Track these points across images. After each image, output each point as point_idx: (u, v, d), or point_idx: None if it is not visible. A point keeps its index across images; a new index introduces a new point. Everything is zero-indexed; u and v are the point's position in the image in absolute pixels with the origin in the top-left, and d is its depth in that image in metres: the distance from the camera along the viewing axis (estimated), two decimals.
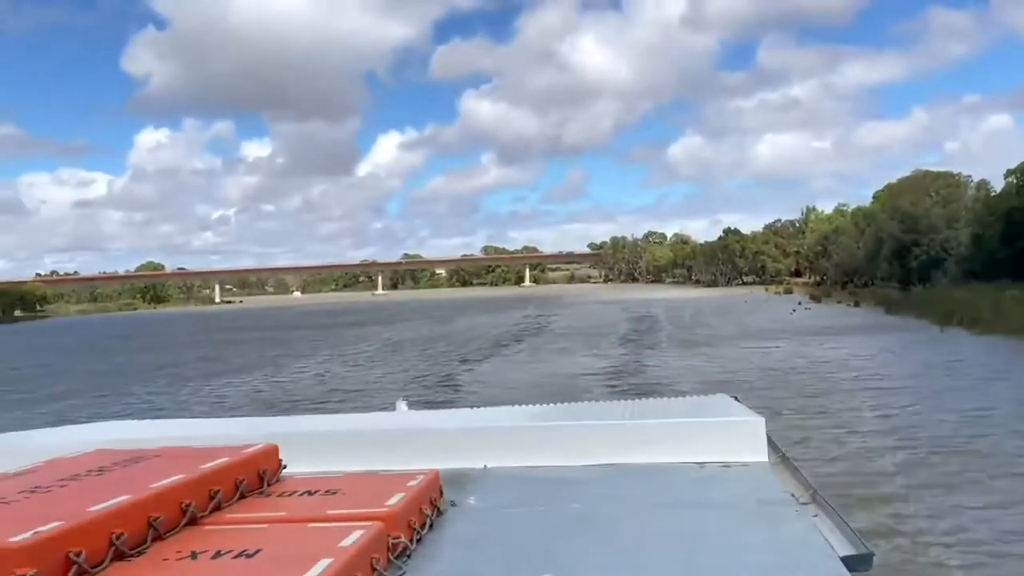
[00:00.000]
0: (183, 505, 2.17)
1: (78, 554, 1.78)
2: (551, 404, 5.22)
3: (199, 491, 2.27)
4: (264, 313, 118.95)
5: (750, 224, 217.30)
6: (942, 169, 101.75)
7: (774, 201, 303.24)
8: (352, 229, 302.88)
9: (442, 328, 67.38)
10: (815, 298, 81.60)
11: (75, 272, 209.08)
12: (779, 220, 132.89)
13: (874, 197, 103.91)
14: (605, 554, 2.29)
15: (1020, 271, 56.14)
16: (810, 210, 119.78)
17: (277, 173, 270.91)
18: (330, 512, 2.27)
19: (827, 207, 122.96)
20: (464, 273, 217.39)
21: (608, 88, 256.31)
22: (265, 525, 2.19)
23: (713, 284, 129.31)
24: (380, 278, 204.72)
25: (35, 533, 1.75)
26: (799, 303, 73.66)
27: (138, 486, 2.15)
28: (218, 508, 2.31)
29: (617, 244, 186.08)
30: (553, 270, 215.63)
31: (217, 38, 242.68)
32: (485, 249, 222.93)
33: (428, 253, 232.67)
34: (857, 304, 69.43)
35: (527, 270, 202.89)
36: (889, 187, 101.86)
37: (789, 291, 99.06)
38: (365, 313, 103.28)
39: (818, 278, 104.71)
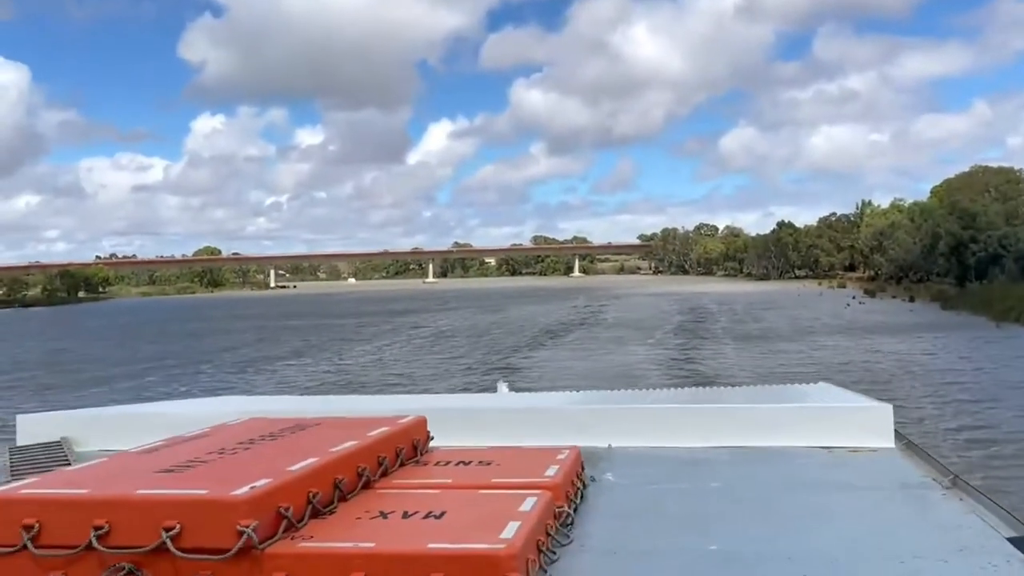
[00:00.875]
0: (359, 469, 2.33)
1: (287, 509, 1.93)
2: (670, 389, 5.58)
3: (370, 457, 2.44)
4: (320, 298, 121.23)
5: (803, 217, 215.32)
6: (1004, 165, 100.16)
7: (828, 195, 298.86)
8: (402, 217, 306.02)
9: (495, 316, 68.48)
10: (869, 293, 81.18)
11: (134, 256, 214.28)
12: (833, 214, 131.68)
13: (932, 192, 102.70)
14: (761, 530, 2.35)
15: None
16: (865, 204, 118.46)
17: (329, 160, 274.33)
18: (495, 480, 2.41)
19: (883, 201, 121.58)
20: (513, 262, 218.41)
21: (660, 79, 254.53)
22: (436, 491, 2.34)
23: (765, 277, 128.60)
24: (431, 266, 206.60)
25: (252, 488, 1.90)
26: (853, 297, 73.41)
27: (320, 450, 2.32)
28: (384, 474, 2.48)
29: (668, 236, 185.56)
30: (602, 261, 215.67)
31: (272, 25, 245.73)
32: (535, 239, 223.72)
33: (477, 242, 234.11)
34: (912, 299, 69.15)
35: (576, 261, 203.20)
36: (947, 182, 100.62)
37: (842, 285, 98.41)
38: (419, 300, 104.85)
39: (872, 273, 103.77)
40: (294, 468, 2.11)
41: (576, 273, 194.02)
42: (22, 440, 4.69)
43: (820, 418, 3.45)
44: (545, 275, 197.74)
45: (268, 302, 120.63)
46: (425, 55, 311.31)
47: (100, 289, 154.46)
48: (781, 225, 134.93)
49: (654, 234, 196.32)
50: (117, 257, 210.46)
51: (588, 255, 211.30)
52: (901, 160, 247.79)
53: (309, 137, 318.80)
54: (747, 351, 36.72)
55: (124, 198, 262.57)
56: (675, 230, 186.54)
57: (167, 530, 1.84)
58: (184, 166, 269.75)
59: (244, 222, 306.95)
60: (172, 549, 1.83)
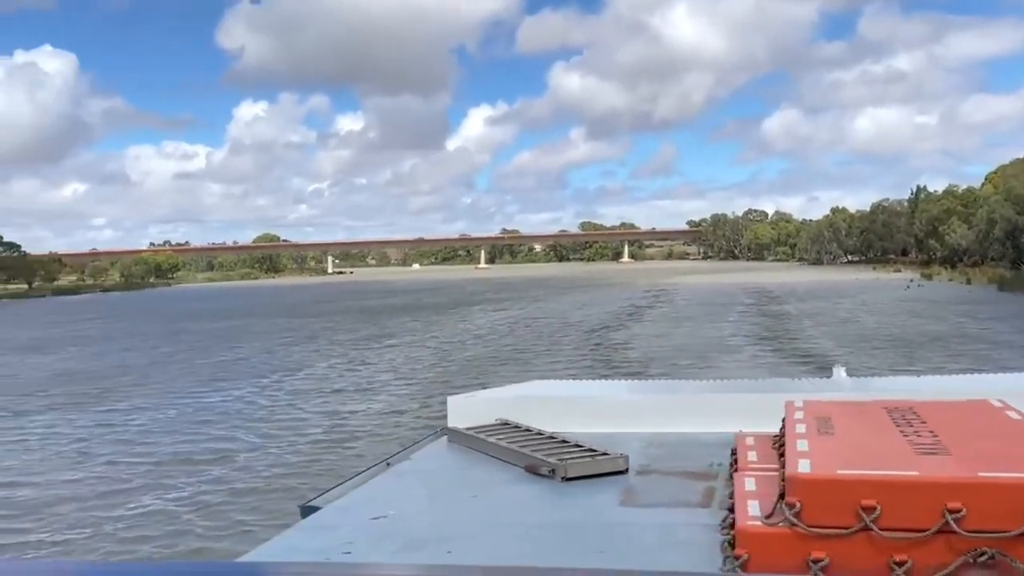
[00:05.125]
0: None
1: None
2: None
3: None
4: (384, 285, 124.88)
5: (847, 201, 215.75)
6: None
7: (874, 178, 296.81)
8: (441, 203, 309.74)
9: (568, 299, 71.65)
10: (926, 276, 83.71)
11: (186, 242, 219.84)
12: (887, 199, 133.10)
13: (986, 179, 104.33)
14: None
15: None
16: (920, 190, 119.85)
17: (369, 147, 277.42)
18: None
19: (930, 184, 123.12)
20: (561, 248, 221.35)
21: (700, 61, 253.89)
22: None
23: (817, 263, 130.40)
24: (482, 252, 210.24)
25: None
26: (911, 280, 76.01)
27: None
28: None
29: (717, 221, 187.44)
30: (648, 246, 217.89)
31: (310, 11, 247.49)
32: (583, 225, 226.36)
33: (516, 228, 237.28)
34: (968, 282, 71.95)
35: (625, 246, 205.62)
36: (1002, 169, 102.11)
37: (897, 270, 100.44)
38: (481, 284, 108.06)
39: (926, 257, 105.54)
40: None
41: (626, 259, 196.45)
42: (453, 422, 5.16)
43: None
44: (593, 261, 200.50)
45: (333, 287, 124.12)
46: (463, 40, 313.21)
47: (169, 275, 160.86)
48: (834, 211, 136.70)
49: (703, 220, 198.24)
50: (170, 244, 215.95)
51: (636, 241, 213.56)
52: (949, 142, 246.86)
53: (349, 123, 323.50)
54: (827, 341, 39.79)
55: (168, 186, 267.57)
56: (724, 215, 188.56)
57: None
58: (226, 153, 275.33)
59: (286, 209, 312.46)
60: None
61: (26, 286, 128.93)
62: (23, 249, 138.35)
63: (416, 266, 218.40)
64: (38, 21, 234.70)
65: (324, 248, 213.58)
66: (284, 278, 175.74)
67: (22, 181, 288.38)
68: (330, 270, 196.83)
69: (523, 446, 4.52)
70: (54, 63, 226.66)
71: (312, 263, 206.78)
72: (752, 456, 3.31)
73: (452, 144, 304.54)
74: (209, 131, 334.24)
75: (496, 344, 39.71)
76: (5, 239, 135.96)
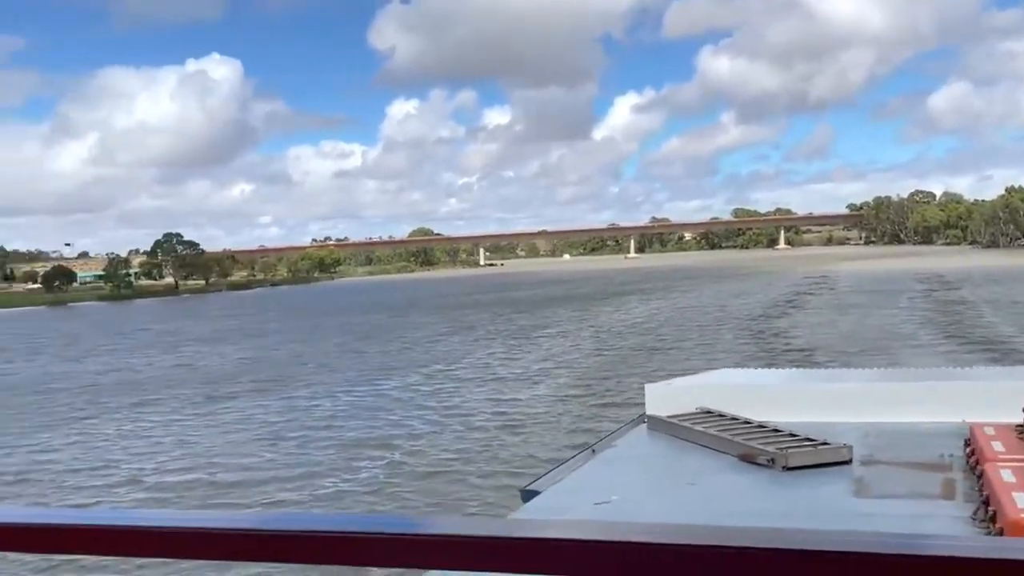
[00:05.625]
0: None
1: None
2: None
3: None
4: (535, 276, 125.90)
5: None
6: None
7: None
8: (589, 193, 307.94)
9: (723, 288, 70.28)
10: None
11: (345, 238, 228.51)
12: None
13: None
14: None
15: None
16: None
17: (516, 140, 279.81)
18: None
19: None
20: (713, 236, 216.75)
21: (859, 37, 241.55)
22: None
23: (992, 246, 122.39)
24: (631, 242, 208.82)
25: None
26: None
27: None
28: None
29: (881, 204, 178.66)
30: (805, 232, 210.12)
31: (457, 8, 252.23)
32: (735, 212, 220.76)
33: (665, 216, 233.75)
34: None
35: (780, 232, 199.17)
36: None
37: None
38: (631, 274, 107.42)
39: None
40: None
41: (781, 245, 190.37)
42: (651, 409, 5.11)
43: None
44: (747, 248, 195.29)
45: (515, 280, 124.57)
46: (608, 28, 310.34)
47: (331, 270, 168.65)
48: (1011, 190, 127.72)
49: (864, 203, 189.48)
50: (331, 240, 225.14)
51: (792, 226, 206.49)
52: None
53: (496, 117, 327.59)
54: None
55: (327, 184, 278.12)
56: (888, 198, 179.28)
57: None
58: (380, 151, 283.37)
59: (438, 203, 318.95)
60: None
61: (203, 282, 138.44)
62: (200, 247, 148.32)
63: (567, 256, 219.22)
64: (208, 31, 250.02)
65: (475, 241, 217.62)
66: (438, 271, 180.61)
67: (195, 183, 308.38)
68: (482, 262, 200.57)
69: (735, 435, 4.52)
70: (221, 70, 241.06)
71: (464, 255, 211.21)
72: (998, 446, 3.27)
73: (599, 133, 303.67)
74: (364, 130, 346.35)
75: (654, 333, 39.64)
76: (184, 238, 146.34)
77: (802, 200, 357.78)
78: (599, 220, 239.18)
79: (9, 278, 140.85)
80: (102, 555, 1.08)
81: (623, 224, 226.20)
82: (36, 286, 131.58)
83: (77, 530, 1.07)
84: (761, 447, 4.30)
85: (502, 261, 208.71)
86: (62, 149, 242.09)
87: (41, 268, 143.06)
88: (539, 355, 34.17)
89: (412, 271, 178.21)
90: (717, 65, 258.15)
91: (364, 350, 40.03)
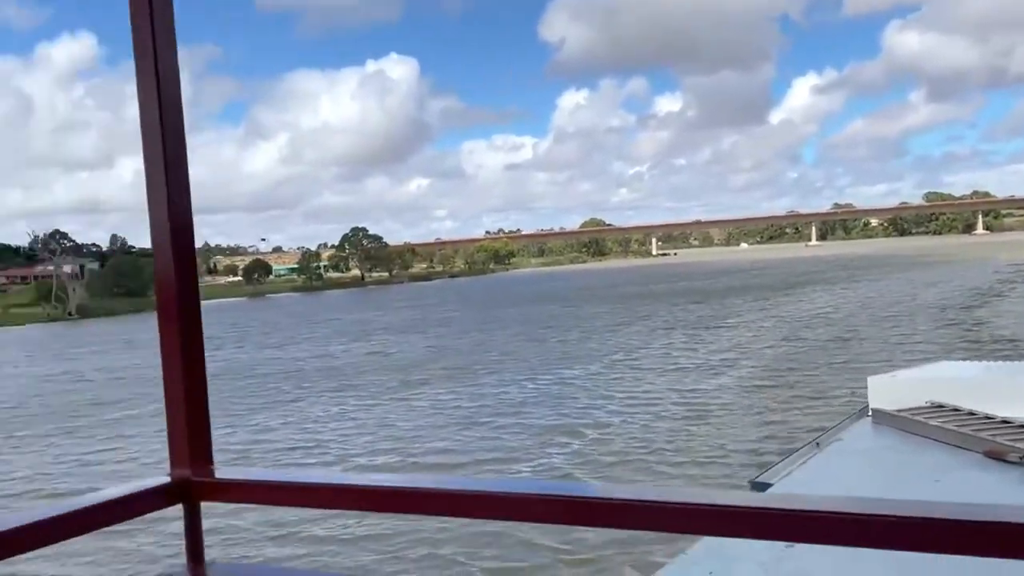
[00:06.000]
0: None
1: None
2: None
3: None
4: (709, 266, 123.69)
5: None
6: None
7: None
8: (764, 180, 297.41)
9: (915, 276, 66.83)
10: None
11: (517, 230, 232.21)
12: None
13: None
14: None
15: None
16: None
17: (687, 127, 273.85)
18: None
19: None
20: (901, 222, 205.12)
21: None
22: None
23: None
24: (813, 229, 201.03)
25: None
26: None
27: None
28: None
29: None
30: (1006, 216, 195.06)
31: None
32: (926, 196, 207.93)
33: (849, 202, 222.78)
34: None
35: (978, 217, 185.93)
36: None
37: None
38: (813, 263, 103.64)
39: None
40: None
41: (979, 231, 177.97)
42: (875, 402, 4.95)
43: None
44: (939, 234, 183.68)
45: (689, 271, 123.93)
46: (785, 8, 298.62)
47: (506, 261, 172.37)
48: None
49: None
50: (504, 232, 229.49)
51: (991, 211, 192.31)
52: None
53: (667, 104, 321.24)
54: None
55: (499, 177, 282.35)
56: None
57: None
58: (551, 142, 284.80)
59: (608, 193, 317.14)
60: None
61: (387, 274, 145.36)
62: (384, 240, 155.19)
63: (744, 245, 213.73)
64: (385, 32, 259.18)
65: (647, 231, 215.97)
66: (610, 261, 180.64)
67: (375, 179, 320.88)
68: (654, 252, 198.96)
69: (977, 430, 4.32)
70: (399, 69, 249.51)
71: (636, 245, 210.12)
72: None
73: (775, 117, 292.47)
74: (534, 122, 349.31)
75: (841, 324, 38.25)
76: (369, 232, 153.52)
77: (1001, 182, 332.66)
78: (776, 207, 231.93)
79: (212, 271, 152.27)
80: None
81: (803, 211, 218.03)
82: (237, 279, 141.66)
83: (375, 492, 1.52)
84: (1011, 443, 4.11)
85: (675, 251, 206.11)
86: (255, 150, 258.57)
87: (240, 262, 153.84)
88: (721, 345, 33.79)
89: (584, 262, 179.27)
90: (905, 41, 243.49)
91: (544, 339, 40.83)
